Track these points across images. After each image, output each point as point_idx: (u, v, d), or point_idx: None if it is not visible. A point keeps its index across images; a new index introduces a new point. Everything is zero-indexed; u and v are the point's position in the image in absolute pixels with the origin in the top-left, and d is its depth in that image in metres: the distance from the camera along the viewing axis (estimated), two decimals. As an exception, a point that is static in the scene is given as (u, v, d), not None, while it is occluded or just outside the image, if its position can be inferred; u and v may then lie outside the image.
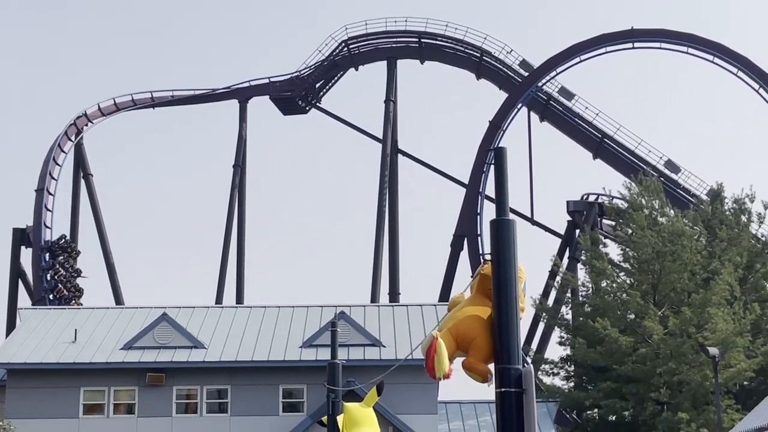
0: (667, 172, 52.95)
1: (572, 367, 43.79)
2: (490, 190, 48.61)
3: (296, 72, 60.94)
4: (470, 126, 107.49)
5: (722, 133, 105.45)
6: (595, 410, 41.82)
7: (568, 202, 52.72)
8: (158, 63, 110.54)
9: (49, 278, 51.42)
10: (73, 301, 50.86)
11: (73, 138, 57.80)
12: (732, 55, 52.92)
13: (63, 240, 53.27)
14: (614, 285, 41.72)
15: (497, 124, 52.67)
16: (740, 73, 52.78)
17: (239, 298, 58.53)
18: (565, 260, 50.24)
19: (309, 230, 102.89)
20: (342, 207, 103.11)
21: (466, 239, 51.39)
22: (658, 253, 39.55)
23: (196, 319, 37.27)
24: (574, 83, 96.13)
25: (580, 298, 43.83)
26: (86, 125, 58.94)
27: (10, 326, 49.76)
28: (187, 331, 35.38)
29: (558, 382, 43.93)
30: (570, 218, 52.76)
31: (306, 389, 34.04)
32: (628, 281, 41.74)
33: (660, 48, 54.78)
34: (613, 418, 40.89)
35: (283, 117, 63.08)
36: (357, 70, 61.52)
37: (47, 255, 52.07)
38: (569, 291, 45.33)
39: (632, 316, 40.01)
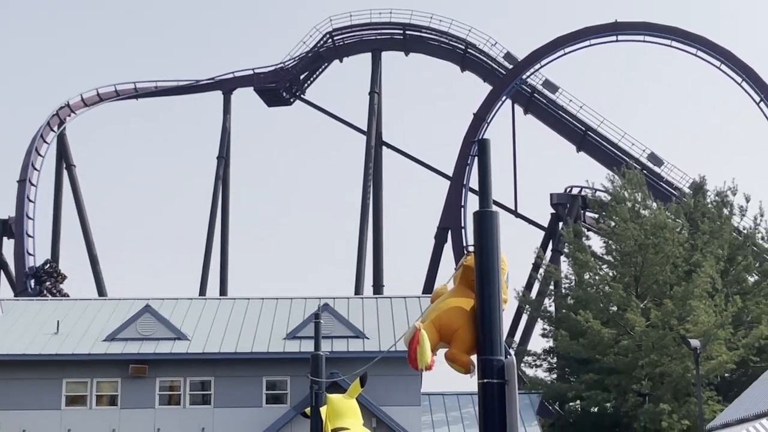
0: (650, 164, 53.16)
1: (555, 359, 43.96)
2: (474, 182, 48.66)
3: (281, 63, 60.83)
4: (455, 118, 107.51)
5: (705, 126, 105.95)
6: (578, 402, 42.01)
7: (551, 194, 52.87)
8: (142, 54, 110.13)
9: None
10: None
11: (55, 128, 57.52)
12: (715, 49, 53.12)
13: (48, 265, 52.08)
14: (597, 277, 41.88)
15: (482, 117, 52.71)
16: (723, 67, 52.99)
17: (223, 290, 58.45)
18: (549, 253, 50.40)
19: (293, 222, 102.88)
20: (326, 199, 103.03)
21: (450, 231, 51.47)
22: (641, 245, 39.72)
23: (180, 310, 37.19)
24: (559, 76, 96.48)
25: (563, 291, 43.98)
26: (69, 116, 58.66)
27: (-8, 317, 49.52)
28: (170, 323, 35.30)
29: (541, 374, 44.15)
30: (553, 211, 52.91)
31: (289, 381, 34.04)
32: (610, 273, 41.91)
33: (644, 41, 54.96)
34: (595, 409, 41.09)
35: (268, 108, 63.00)
36: (341, 61, 61.46)
37: (32, 281, 50.90)
38: (552, 283, 45.49)
39: (615, 308, 40.19)
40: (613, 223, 42.17)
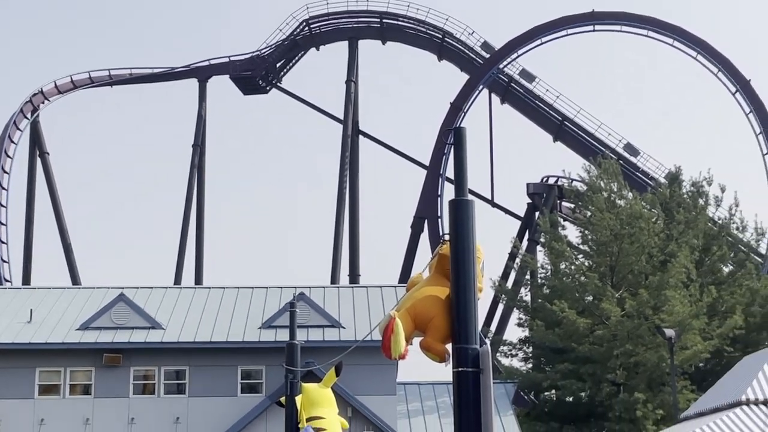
0: (626, 155, 53.34)
1: (530, 349, 44.09)
2: (450, 172, 48.68)
3: (257, 51, 60.54)
4: (432, 107, 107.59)
5: (681, 117, 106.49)
6: (553, 391, 42.17)
7: (528, 184, 52.97)
8: (116, 41, 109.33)
9: None
10: None
11: (29, 116, 57.02)
12: (691, 39, 53.33)
13: None
14: (573, 267, 42.01)
15: (458, 106, 52.70)
16: (699, 57, 53.21)
17: (198, 279, 58.23)
18: (525, 242, 50.53)
19: (269, 211, 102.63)
20: (302, 188, 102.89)
21: (426, 221, 51.49)
22: (616, 235, 39.86)
23: (154, 299, 36.99)
24: (536, 65, 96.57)
25: (539, 280, 44.10)
26: (42, 103, 58.17)
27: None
28: (144, 312, 35.10)
29: (516, 363, 44.26)
30: (530, 200, 53.04)
31: (265, 370, 33.93)
32: (586, 263, 42.05)
33: (621, 31, 55.10)
34: (571, 399, 41.26)
35: (244, 96, 62.73)
36: (318, 50, 61.26)
37: None
38: (528, 273, 45.59)
39: (590, 298, 40.34)
40: (589, 213, 42.28)
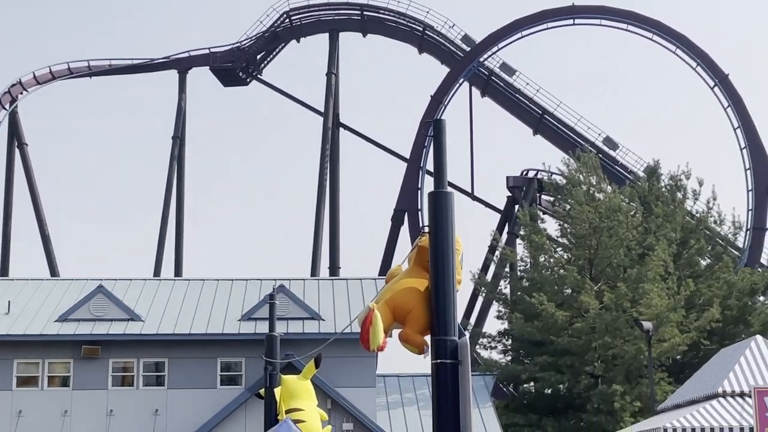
0: (605, 148, 53.52)
1: (509, 341, 44.24)
2: (431, 165, 48.75)
3: (237, 43, 60.34)
4: (412, 100, 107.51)
5: (660, 111, 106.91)
6: (532, 383, 42.35)
7: (507, 177, 53.08)
8: (96, 31, 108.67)
9: None
10: None
11: (7, 106, 56.62)
12: (671, 33, 53.53)
13: None
14: (552, 260, 42.17)
15: (439, 99, 52.73)
16: (678, 51, 53.43)
17: (177, 271, 58.06)
18: (505, 235, 50.63)
19: (249, 203, 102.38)
20: (282, 180, 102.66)
21: (406, 214, 51.51)
22: (595, 228, 40.04)
23: (133, 291, 36.87)
24: (516, 59, 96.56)
25: (519, 273, 44.23)
26: (21, 93, 57.77)
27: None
28: (123, 304, 34.98)
29: (495, 355, 44.43)
30: (510, 194, 53.14)
31: (244, 362, 33.91)
32: (565, 256, 42.22)
33: (600, 25, 55.22)
34: (549, 391, 41.45)
35: (224, 88, 62.51)
36: (299, 42, 61.12)
37: None
38: (508, 266, 45.72)
39: (569, 291, 40.50)
40: (568, 206, 42.45)
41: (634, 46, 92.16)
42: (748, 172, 50.93)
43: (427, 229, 7.31)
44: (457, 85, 53.81)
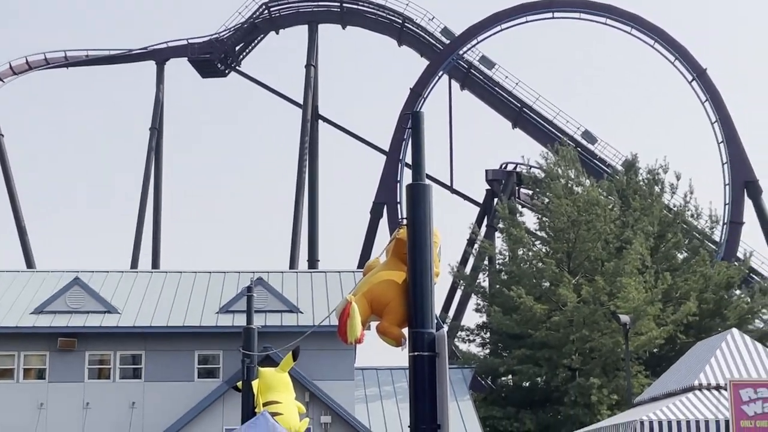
0: (584, 142, 53.66)
1: (488, 334, 44.33)
2: (410, 157, 48.72)
3: (215, 34, 60.05)
4: (392, 93, 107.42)
5: (638, 104, 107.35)
6: (510, 376, 42.44)
7: (486, 170, 53.14)
8: (73, 22, 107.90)
9: None
10: None
11: (-18, 97, 56.20)
12: (649, 27, 53.71)
13: None
14: (530, 253, 42.25)
15: (418, 92, 52.72)
16: (657, 45, 53.62)
17: (155, 263, 57.79)
18: (483, 228, 50.71)
19: (227, 195, 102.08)
20: (261, 172, 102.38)
21: (385, 206, 51.50)
22: (573, 222, 40.15)
23: (110, 283, 36.66)
24: (495, 52, 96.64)
25: (497, 266, 44.32)
26: (-3, 84, 57.32)
27: None
28: (100, 296, 34.78)
29: (474, 348, 44.50)
30: (488, 187, 53.21)
31: (222, 355, 33.80)
32: (543, 249, 42.32)
33: (579, 18, 55.33)
34: (527, 383, 41.56)
35: (202, 80, 62.23)
36: (278, 33, 60.90)
37: None
38: (487, 259, 45.79)
39: (547, 284, 40.61)
40: (546, 200, 42.54)
41: (612, 40, 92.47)
42: (725, 166, 51.22)
43: (405, 222, 7.28)
44: (437, 77, 53.81)
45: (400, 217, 49.23)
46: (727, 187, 50.88)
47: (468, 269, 47.05)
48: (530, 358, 39.15)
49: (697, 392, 23.63)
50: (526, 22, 54.95)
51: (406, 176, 51.18)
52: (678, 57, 52.99)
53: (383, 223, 51.66)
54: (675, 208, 46.06)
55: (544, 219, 42.44)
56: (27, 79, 59.99)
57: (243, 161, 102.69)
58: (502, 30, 54.48)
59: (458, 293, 50.01)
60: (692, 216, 46.62)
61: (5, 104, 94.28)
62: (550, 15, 55.20)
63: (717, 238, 48.71)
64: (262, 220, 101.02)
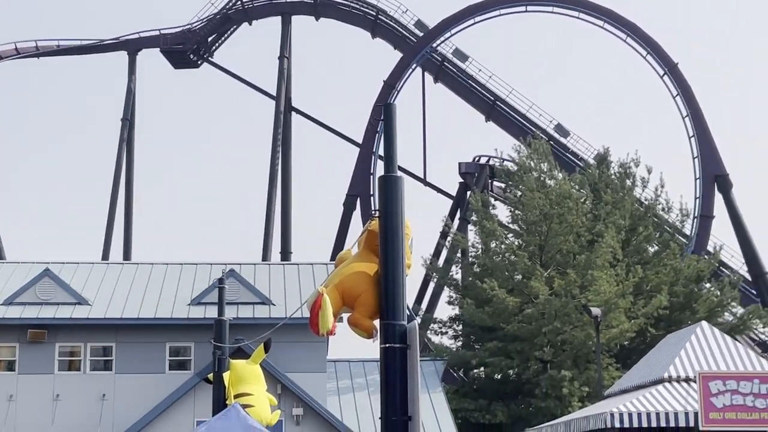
0: (556, 135, 53.88)
1: (460, 327, 44.44)
2: (384, 150, 48.67)
3: (188, 24, 59.71)
4: (365, 85, 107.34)
5: (610, 99, 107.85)
6: (482, 369, 42.59)
7: (460, 163, 53.22)
8: (43, 11, 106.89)
9: None
10: None
11: (-48, 86, 55.66)
12: (621, 21, 53.97)
13: None
14: (503, 246, 42.37)
15: (392, 84, 52.70)
16: (629, 40, 53.89)
17: (126, 255, 57.49)
18: (456, 221, 50.82)
19: (200, 186, 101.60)
20: (234, 164, 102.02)
21: (358, 199, 51.50)
22: (546, 215, 40.30)
23: (81, 274, 36.40)
24: (469, 45, 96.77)
25: (470, 259, 44.42)
26: (-34, 73, 56.79)
27: None
28: (70, 287, 34.52)
29: (446, 341, 44.60)
30: (462, 180, 53.31)
31: (194, 347, 33.66)
32: (516, 242, 42.45)
33: (552, 12, 55.50)
34: (499, 376, 41.72)
35: (174, 70, 61.87)
36: (251, 24, 60.65)
37: None
38: (459, 251, 45.88)
39: (519, 277, 40.75)
40: (519, 193, 42.68)
41: (585, 34, 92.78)
42: (696, 160, 51.60)
43: (377, 214, 7.28)
44: (410, 70, 53.81)
45: (372, 209, 49.24)
46: (698, 181, 51.28)
47: (441, 262, 47.14)
48: (502, 351, 39.29)
49: (667, 384, 23.84)
50: (500, 15, 55.06)
51: (380, 169, 51.02)
52: (650, 51, 53.28)
53: (356, 215, 51.67)
54: (646, 202, 46.34)
55: (516, 212, 42.58)
56: (-3, 69, 59.39)
57: (216, 153, 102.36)
58: (475, 23, 54.56)
59: (431, 286, 50.10)
60: (663, 210, 46.92)
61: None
62: (523, 9, 55.34)
63: (687, 232, 49.07)
64: (234, 212, 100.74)
